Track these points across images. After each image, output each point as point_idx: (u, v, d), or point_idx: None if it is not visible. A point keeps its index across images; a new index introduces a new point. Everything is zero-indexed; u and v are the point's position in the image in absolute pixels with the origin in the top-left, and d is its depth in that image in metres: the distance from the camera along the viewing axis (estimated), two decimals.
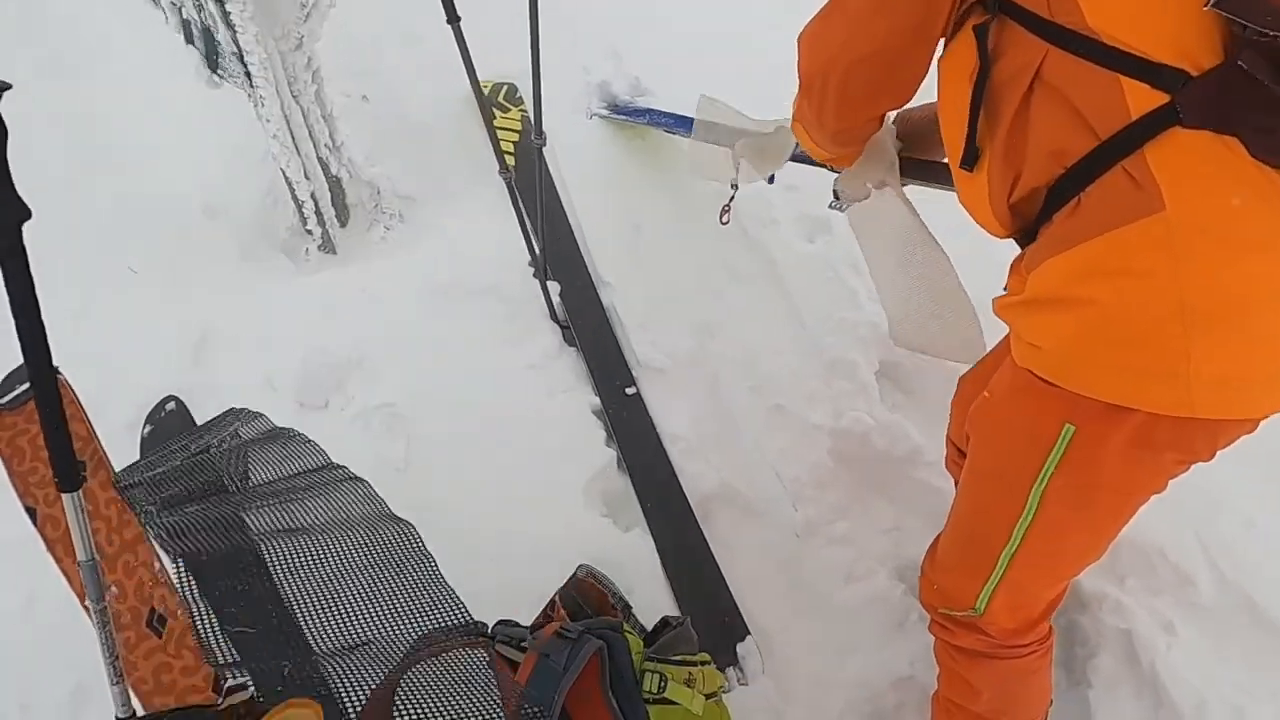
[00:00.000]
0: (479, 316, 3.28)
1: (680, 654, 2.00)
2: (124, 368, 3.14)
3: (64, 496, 1.60)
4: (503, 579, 2.64)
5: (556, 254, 3.34)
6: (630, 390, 3.13)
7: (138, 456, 2.68)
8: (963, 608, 1.91)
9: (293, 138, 3.36)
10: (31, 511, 2.08)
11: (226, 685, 1.90)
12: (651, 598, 2.64)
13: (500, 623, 2.14)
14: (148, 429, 2.67)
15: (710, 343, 3.28)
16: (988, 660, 1.97)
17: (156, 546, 2.16)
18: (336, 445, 2.97)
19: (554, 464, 2.92)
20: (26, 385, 2.23)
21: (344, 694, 1.79)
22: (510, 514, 2.79)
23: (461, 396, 3.06)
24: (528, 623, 2.51)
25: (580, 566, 2.30)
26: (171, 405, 2.67)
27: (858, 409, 3.11)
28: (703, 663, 2.00)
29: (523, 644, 1.94)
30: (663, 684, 1.87)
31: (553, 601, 2.24)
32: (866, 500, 2.99)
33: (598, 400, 3.12)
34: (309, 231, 3.64)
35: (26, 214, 1.33)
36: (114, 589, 2.07)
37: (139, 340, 3.21)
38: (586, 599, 2.23)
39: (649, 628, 2.25)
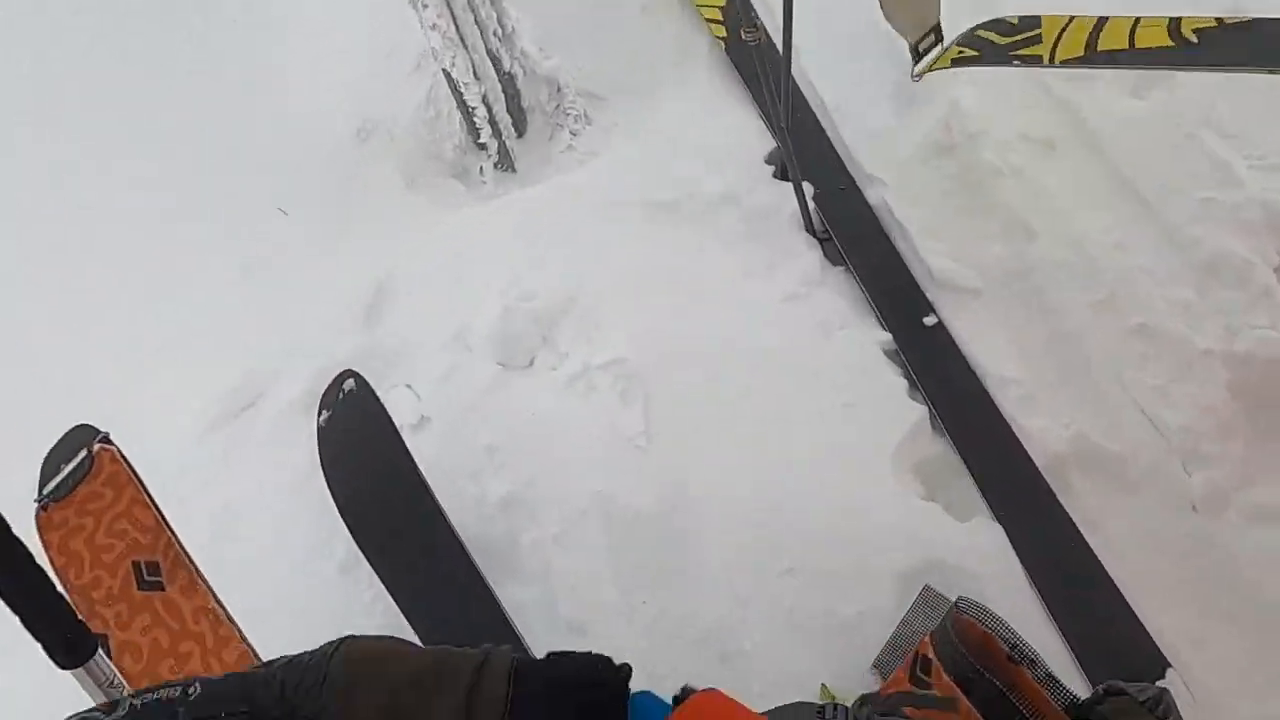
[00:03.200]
0: (713, 237, 2.53)
1: None
2: (294, 331, 2.58)
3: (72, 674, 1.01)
4: (800, 598, 1.95)
5: (803, 147, 2.51)
6: (929, 320, 2.33)
7: (315, 450, 2.11)
8: None
9: (456, 26, 2.64)
10: (103, 640, 1.51)
11: None
12: (1018, 619, 1.88)
13: (864, 702, 1.43)
14: (325, 416, 2.09)
15: (1028, 246, 2.42)
16: None
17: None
18: (554, 418, 2.34)
19: (845, 428, 2.18)
20: (80, 458, 1.64)
21: None
22: (796, 504, 2.07)
23: (707, 343, 2.34)
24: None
25: (955, 603, 1.55)
26: (350, 384, 2.08)
27: (1259, 325, 2.21)
28: None
29: None
30: None
31: (923, 659, 1.51)
32: None
33: (887, 336, 2.33)
34: (481, 146, 2.95)
35: None
36: None
37: (306, 298, 2.64)
38: (969, 645, 1.49)
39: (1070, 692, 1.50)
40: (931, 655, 1.49)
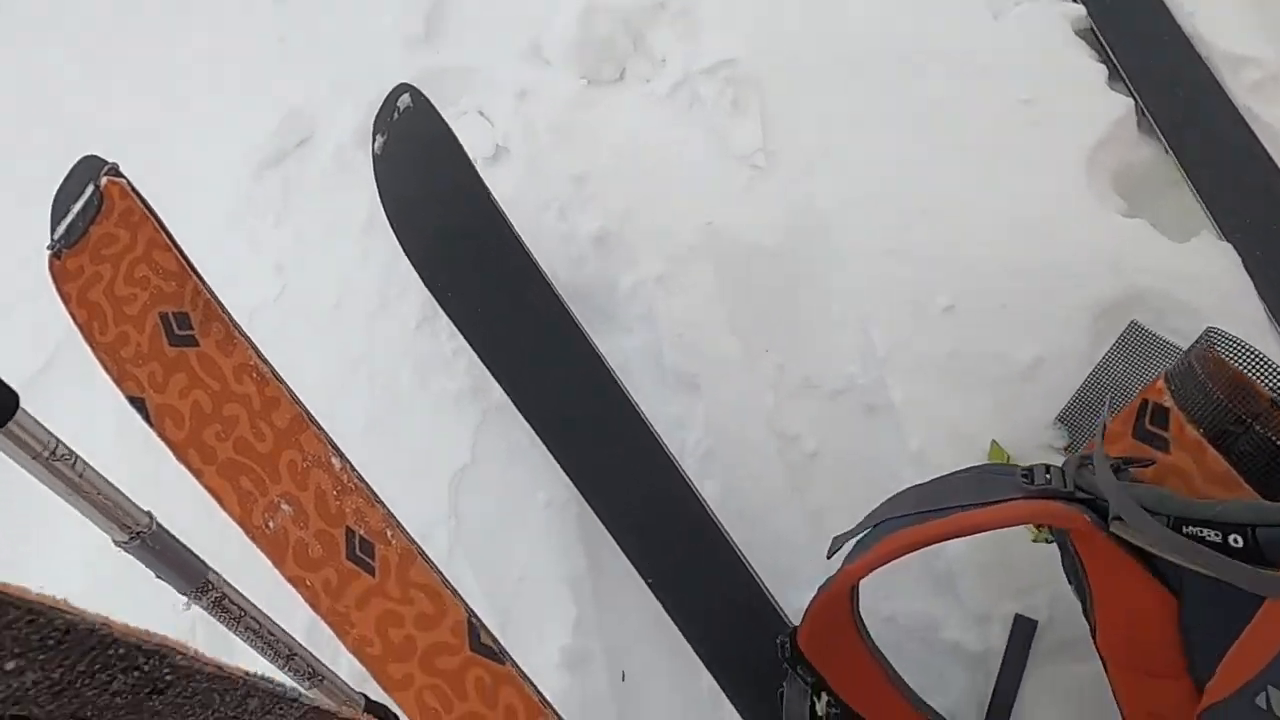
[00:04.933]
0: None
1: None
2: (337, 60, 2.19)
3: None
4: (970, 341, 1.58)
5: None
6: None
7: (371, 177, 1.78)
8: None
9: None
10: (139, 403, 1.24)
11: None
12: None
13: (1078, 464, 1.07)
14: (379, 141, 1.74)
15: None
16: None
17: (327, 432, 1.28)
18: (652, 138, 1.93)
19: (1022, 128, 1.70)
20: (88, 195, 1.33)
21: None
22: (959, 224, 1.66)
23: (841, 35, 1.85)
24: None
25: (1205, 333, 1.15)
26: (406, 100, 1.71)
27: None
28: None
29: (1201, 536, 0.88)
30: None
31: (1155, 407, 1.14)
32: None
33: (1078, 8, 1.80)
34: None
35: None
36: (285, 507, 1.23)
37: (354, 16, 2.23)
38: (1223, 388, 1.11)
39: None
40: (1168, 403, 1.11)
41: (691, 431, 1.69)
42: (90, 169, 1.41)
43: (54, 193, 1.41)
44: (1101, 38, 1.77)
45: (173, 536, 0.88)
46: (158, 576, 0.88)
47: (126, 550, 0.85)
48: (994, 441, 1.52)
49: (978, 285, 1.60)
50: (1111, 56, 1.75)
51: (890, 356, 1.62)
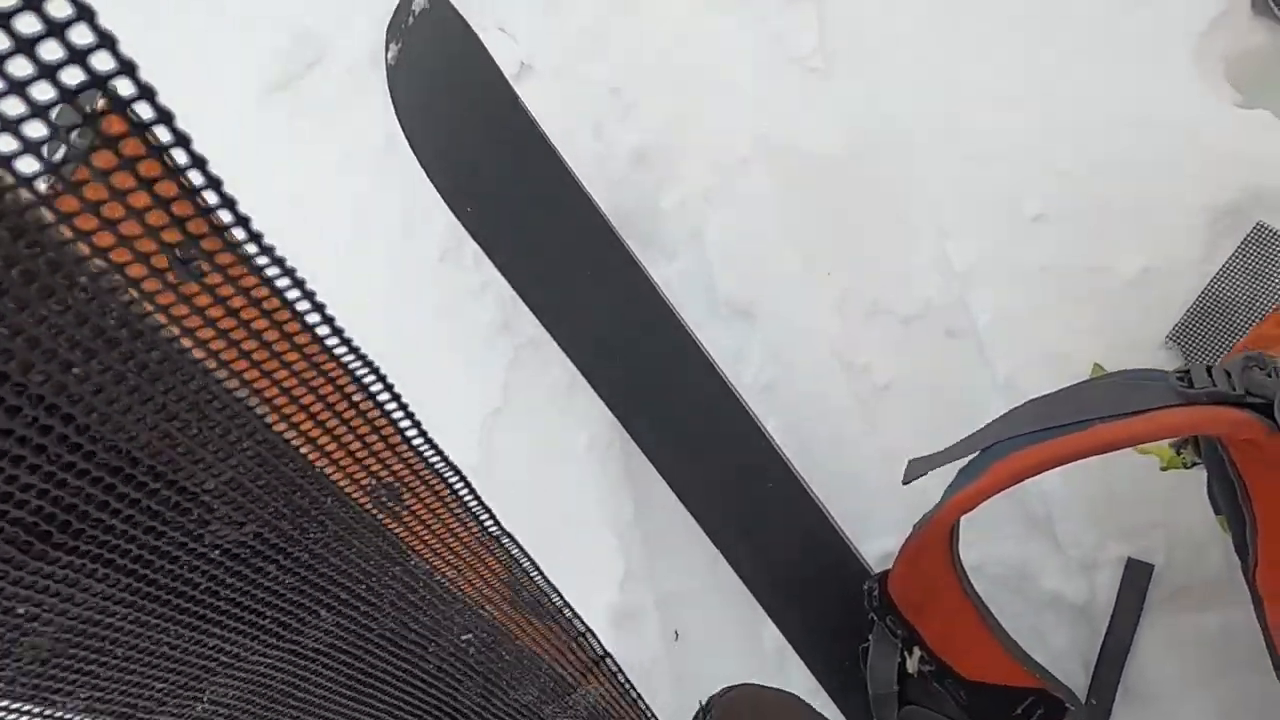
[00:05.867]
0: None
1: None
2: None
3: None
4: (1052, 253, 1.40)
5: None
6: None
7: (388, 97, 1.61)
8: None
9: None
10: None
11: None
12: None
13: (1246, 362, 0.89)
14: (394, 51, 1.56)
15: None
16: None
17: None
18: (695, 40, 1.73)
19: (1123, 12, 1.49)
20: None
21: None
22: (1042, 123, 1.46)
23: None
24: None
25: None
26: (421, 1, 1.53)
27: None
28: None
29: None
30: None
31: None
32: None
33: None
34: None
35: None
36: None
37: None
38: None
39: None
40: None
41: (748, 365, 1.52)
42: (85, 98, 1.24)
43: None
44: None
45: None
46: None
47: None
48: (1096, 365, 1.34)
49: (1073, 189, 1.40)
50: None
51: (972, 272, 1.44)
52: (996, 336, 1.41)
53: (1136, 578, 1.24)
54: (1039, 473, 0.87)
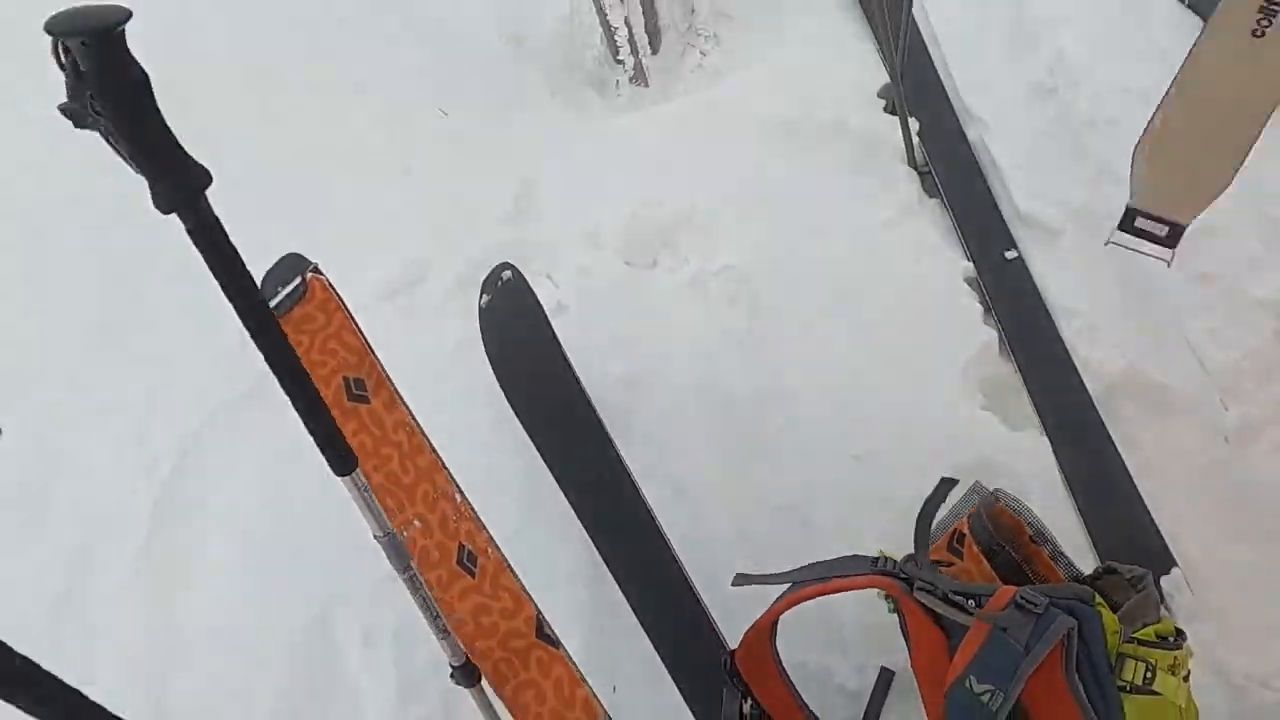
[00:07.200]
0: (823, 161, 2.83)
1: (1147, 623, 1.61)
2: (446, 225, 3.00)
3: (342, 480, 1.37)
4: (868, 480, 2.34)
5: (914, 84, 2.77)
6: (1010, 254, 2.62)
7: (472, 326, 2.55)
8: None
9: None
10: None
11: None
12: (1050, 516, 2.24)
13: (908, 559, 1.83)
14: (485, 299, 2.52)
15: (1113, 191, 2.64)
16: None
17: (453, 475, 1.93)
18: (671, 313, 2.73)
19: (921, 343, 2.51)
20: (295, 284, 1.85)
21: None
22: (872, 401, 2.44)
23: (810, 257, 2.68)
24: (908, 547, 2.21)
25: (993, 492, 1.93)
26: (508, 274, 2.50)
27: None
28: (1175, 635, 1.61)
29: (956, 599, 1.62)
30: (1149, 674, 1.51)
31: (958, 533, 1.90)
32: None
33: (970, 265, 2.63)
34: (619, 62, 3.27)
35: (206, 180, 1.01)
36: (417, 523, 1.89)
37: (460, 194, 3.05)
38: (999, 530, 1.88)
39: (1077, 568, 1.87)
40: (965, 531, 1.88)
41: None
42: (297, 263, 2.04)
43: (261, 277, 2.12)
44: (983, 287, 2.60)
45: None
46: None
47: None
48: (880, 551, 2.26)
49: (878, 444, 2.37)
50: (987, 301, 2.58)
51: (818, 487, 2.37)
52: (828, 528, 2.33)
53: (884, 679, 2.12)
54: (810, 600, 1.76)
